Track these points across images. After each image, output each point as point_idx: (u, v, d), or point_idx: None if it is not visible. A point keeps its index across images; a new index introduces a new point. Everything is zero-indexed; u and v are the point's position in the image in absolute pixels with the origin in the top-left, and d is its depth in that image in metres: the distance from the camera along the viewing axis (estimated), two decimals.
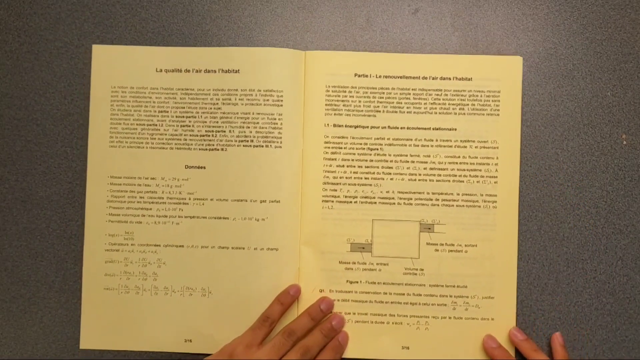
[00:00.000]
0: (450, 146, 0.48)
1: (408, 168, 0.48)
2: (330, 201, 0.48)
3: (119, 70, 0.48)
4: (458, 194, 0.48)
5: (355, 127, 0.48)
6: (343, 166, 0.48)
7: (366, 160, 0.48)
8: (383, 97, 0.48)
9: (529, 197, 0.48)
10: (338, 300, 0.48)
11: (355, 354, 0.47)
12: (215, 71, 0.48)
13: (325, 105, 0.48)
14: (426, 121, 0.48)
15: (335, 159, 0.48)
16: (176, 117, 0.48)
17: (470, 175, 0.48)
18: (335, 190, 0.48)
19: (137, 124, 0.48)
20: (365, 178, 0.48)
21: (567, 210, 0.48)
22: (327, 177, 0.48)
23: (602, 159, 0.49)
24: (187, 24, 0.49)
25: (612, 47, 0.49)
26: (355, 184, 0.48)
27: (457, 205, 0.48)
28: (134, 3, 0.49)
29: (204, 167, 0.48)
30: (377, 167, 0.48)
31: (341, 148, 0.48)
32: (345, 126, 0.48)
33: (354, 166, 0.48)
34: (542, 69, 0.49)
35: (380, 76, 0.48)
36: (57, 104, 0.49)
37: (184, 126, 0.48)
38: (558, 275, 0.48)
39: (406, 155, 0.48)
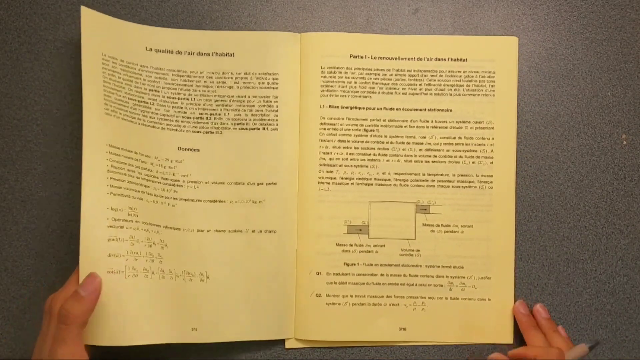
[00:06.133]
0: (446, 127, 0.48)
1: (404, 149, 0.48)
2: (326, 183, 0.48)
3: (108, 41, 0.45)
4: (454, 175, 0.48)
5: (351, 108, 0.48)
6: (339, 147, 0.48)
7: (362, 142, 0.48)
8: (378, 78, 0.48)
9: (528, 197, 0.48)
10: (335, 283, 0.48)
11: (353, 336, 0.48)
12: (208, 54, 0.47)
13: (321, 86, 0.48)
14: (421, 102, 0.48)
15: (331, 141, 0.48)
16: (167, 97, 0.46)
17: (465, 156, 0.48)
18: (332, 172, 0.48)
19: (128, 98, 0.45)
20: (362, 159, 0.48)
21: (567, 210, 0.48)
22: (323, 158, 0.48)
23: (602, 159, 0.49)
24: (182, 6, 0.49)
25: (612, 47, 0.49)
26: (351, 166, 0.48)
27: (452, 186, 0.48)
28: None
29: (198, 150, 0.47)
30: (373, 149, 0.48)
31: (337, 129, 0.48)
32: (341, 107, 0.48)
33: (350, 147, 0.48)
34: (542, 68, 0.49)
35: (375, 57, 0.48)
36: (57, 104, 0.49)
37: (175, 107, 0.46)
38: (558, 275, 0.48)
39: (402, 137, 0.48)
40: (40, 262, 0.48)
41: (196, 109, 0.47)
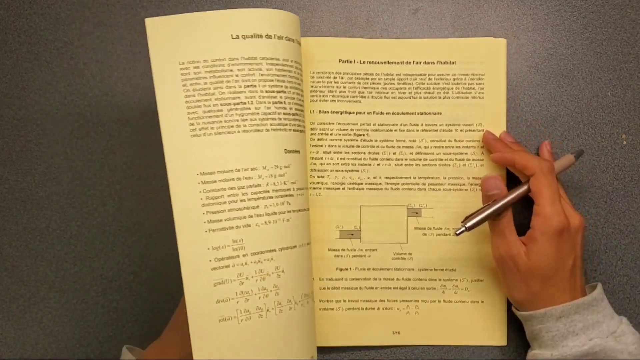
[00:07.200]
0: (436, 130, 0.48)
1: (394, 153, 0.48)
2: (317, 188, 0.48)
3: (184, 44, 0.38)
4: (444, 178, 0.48)
5: (341, 113, 0.48)
6: (329, 152, 0.48)
7: (352, 147, 0.48)
8: (368, 83, 0.48)
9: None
10: (328, 288, 0.48)
11: (346, 341, 0.48)
12: (293, 40, 0.41)
13: (311, 91, 0.48)
14: (411, 106, 0.48)
15: (322, 146, 0.48)
16: (266, 92, 0.39)
17: (456, 159, 0.48)
18: (323, 177, 0.48)
19: (221, 104, 0.38)
20: (352, 164, 0.48)
21: None
22: (314, 164, 0.48)
23: (602, 159, 0.49)
24: (182, 6, 0.49)
25: (612, 47, 0.49)
26: (342, 170, 0.48)
27: (443, 189, 0.48)
28: None
29: (298, 152, 0.40)
30: (364, 153, 0.48)
31: (327, 134, 0.48)
32: (331, 112, 0.48)
33: (341, 152, 0.48)
34: (542, 69, 0.49)
35: (364, 62, 0.48)
36: (57, 104, 0.49)
37: (275, 103, 0.39)
38: None
39: (392, 141, 0.48)
40: (40, 262, 0.48)
41: (292, 103, 0.40)
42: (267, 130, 0.39)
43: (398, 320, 0.48)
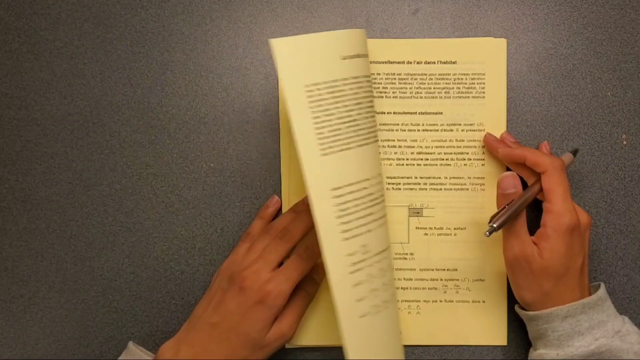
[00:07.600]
0: (437, 130, 0.48)
1: (395, 153, 0.48)
2: None
3: (307, 67, 0.40)
4: (446, 178, 0.48)
5: None
6: None
7: None
8: None
9: None
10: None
11: None
12: (368, 56, 0.44)
13: None
14: (412, 106, 0.48)
15: None
16: (367, 107, 0.42)
17: (457, 158, 0.48)
18: None
19: (340, 123, 0.41)
20: None
21: None
22: None
23: (602, 159, 0.49)
24: (182, 6, 0.49)
25: (612, 47, 0.49)
26: None
27: (445, 189, 0.48)
28: None
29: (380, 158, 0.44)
30: None
31: None
32: None
33: None
34: (542, 69, 0.49)
35: None
36: (57, 104, 0.49)
37: (373, 116, 0.43)
38: None
39: (393, 140, 0.48)
40: (40, 262, 0.48)
41: (374, 115, 0.43)
42: (372, 142, 0.42)
43: (400, 320, 0.48)
